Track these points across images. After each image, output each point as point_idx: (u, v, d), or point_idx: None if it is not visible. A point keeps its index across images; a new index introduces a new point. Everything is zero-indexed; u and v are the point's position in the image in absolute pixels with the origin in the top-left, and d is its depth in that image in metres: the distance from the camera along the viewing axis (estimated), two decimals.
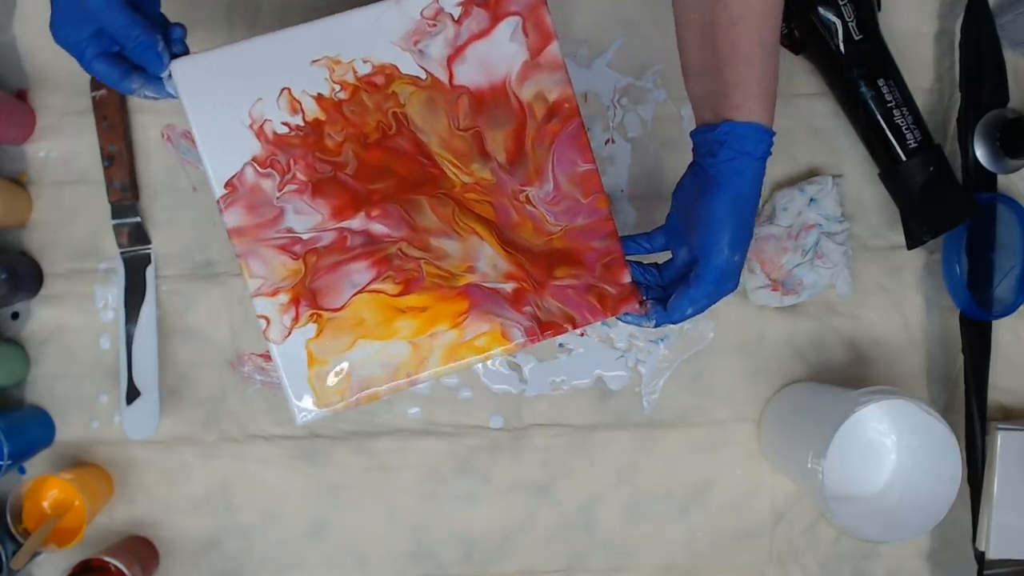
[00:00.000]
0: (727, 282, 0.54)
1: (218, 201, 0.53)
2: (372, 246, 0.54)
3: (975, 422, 0.74)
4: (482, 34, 0.54)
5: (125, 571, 0.69)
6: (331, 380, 0.53)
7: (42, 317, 0.77)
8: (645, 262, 0.59)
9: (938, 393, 0.77)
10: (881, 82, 0.71)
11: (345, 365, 0.53)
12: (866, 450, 0.74)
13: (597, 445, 0.77)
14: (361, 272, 0.54)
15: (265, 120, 0.53)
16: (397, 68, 0.53)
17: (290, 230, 0.53)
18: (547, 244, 0.55)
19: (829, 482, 0.65)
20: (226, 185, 0.53)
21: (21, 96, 0.77)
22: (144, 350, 0.76)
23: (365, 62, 0.53)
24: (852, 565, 0.77)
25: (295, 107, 0.53)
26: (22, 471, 0.77)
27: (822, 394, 0.74)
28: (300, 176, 0.53)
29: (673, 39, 0.76)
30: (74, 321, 0.77)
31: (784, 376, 0.77)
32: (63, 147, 0.77)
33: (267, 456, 0.77)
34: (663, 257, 0.59)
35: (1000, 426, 0.73)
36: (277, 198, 0.53)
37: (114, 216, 0.76)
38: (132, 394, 0.75)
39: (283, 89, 0.53)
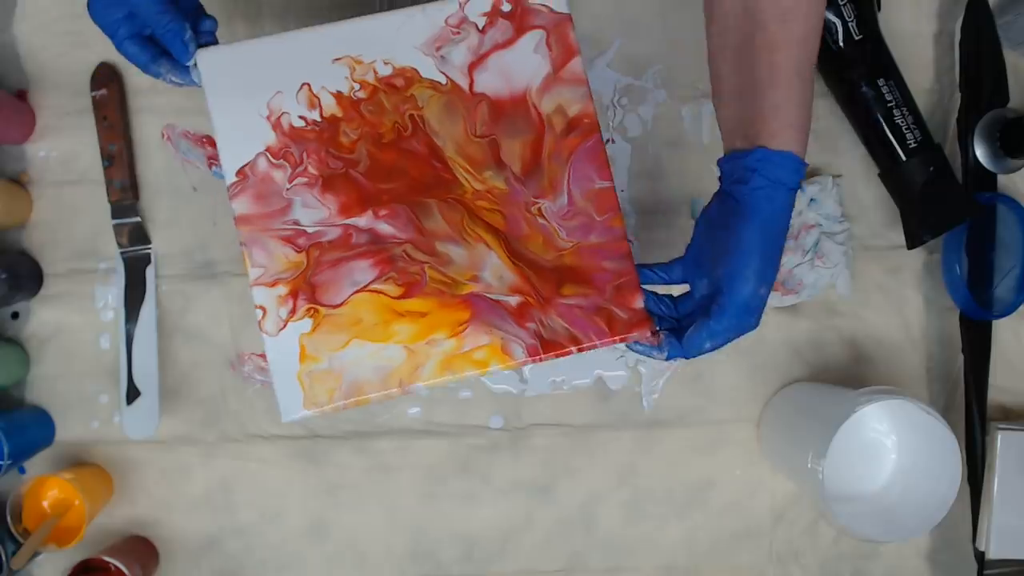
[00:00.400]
0: (749, 316, 0.52)
1: (228, 188, 0.53)
2: (377, 245, 0.53)
3: (975, 422, 0.74)
4: (505, 44, 0.54)
5: (125, 571, 0.69)
6: (321, 379, 0.52)
7: (42, 317, 0.77)
8: (660, 292, 0.56)
9: (938, 393, 0.77)
10: (881, 82, 0.71)
11: (337, 364, 0.53)
12: (866, 450, 0.74)
13: (597, 445, 0.77)
14: (363, 271, 0.53)
15: (283, 112, 0.53)
16: (418, 72, 0.54)
17: (296, 222, 0.53)
18: (557, 260, 0.54)
19: (829, 482, 0.65)
20: (237, 173, 0.53)
21: (21, 96, 0.77)
22: (144, 350, 0.76)
23: (386, 64, 0.53)
24: (852, 565, 0.77)
25: (313, 102, 0.53)
26: (22, 471, 0.77)
27: (822, 394, 0.74)
28: (311, 170, 0.53)
29: (674, 39, 0.76)
30: (74, 321, 0.77)
31: (784, 376, 0.77)
32: (63, 147, 0.77)
33: (267, 456, 0.77)
34: (678, 290, 0.57)
35: (1000, 426, 0.73)
36: (287, 189, 0.53)
37: (114, 216, 0.76)
38: (132, 394, 0.75)
39: (303, 84, 0.53)
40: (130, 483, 0.77)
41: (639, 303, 0.54)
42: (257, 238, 0.53)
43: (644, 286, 0.55)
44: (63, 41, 0.77)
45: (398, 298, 0.53)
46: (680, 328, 0.54)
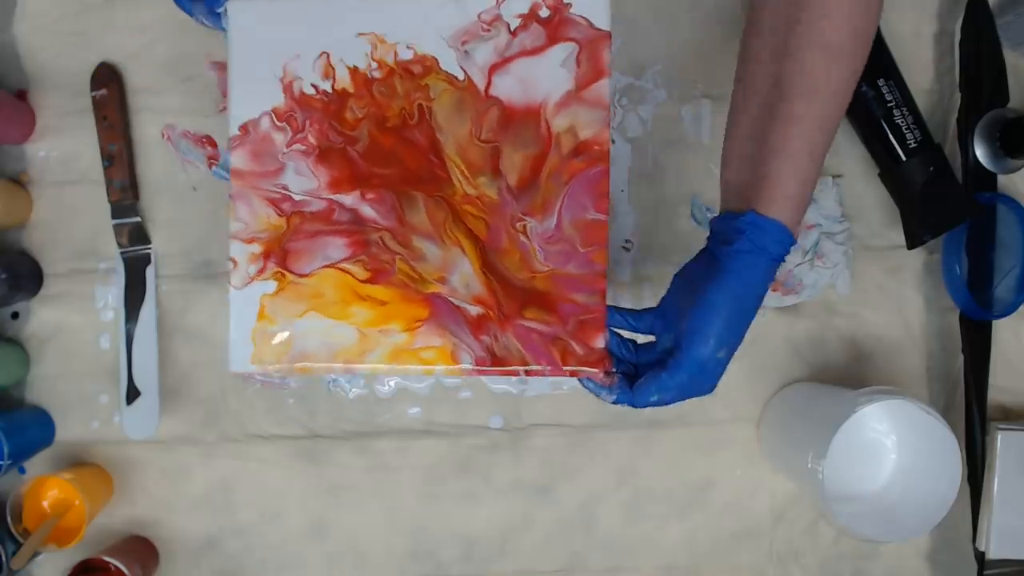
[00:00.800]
0: (704, 379, 0.51)
1: (229, 140, 0.54)
2: (356, 227, 0.53)
3: (975, 422, 0.74)
4: (533, 51, 0.53)
5: (125, 571, 0.69)
6: (273, 340, 0.53)
7: (42, 317, 0.77)
8: (625, 336, 0.56)
9: (938, 393, 0.77)
10: (881, 82, 0.71)
11: (291, 330, 0.53)
12: (866, 450, 0.74)
13: (597, 445, 0.77)
14: (337, 248, 0.53)
15: (297, 77, 0.53)
16: (437, 62, 0.53)
17: (285, 187, 0.53)
18: (528, 281, 0.53)
19: (829, 482, 0.65)
20: (240, 127, 0.54)
21: (21, 96, 0.77)
22: (144, 350, 0.76)
23: (408, 48, 0.53)
24: (852, 565, 0.77)
25: (328, 72, 0.53)
26: (22, 471, 0.77)
27: (822, 394, 0.74)
28: (311, 139, 0.53)
29: (674, 39, 0.76)
30: (74, 321, 0.77)
31: (784, 376, 0.77)
32: (63, 147, 0.77)
33: (267, 456, 0.77)
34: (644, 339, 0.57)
35: (1000, 426, 0.73)
36: (283, 153, 0.53)
37: (114, 216, 0.76)
38: (132, 394, 0.75)
39: (322, 53, 0.53)
40: (130, 483, 0.77)
41: (598, 342, 0.53)
42: (245, 194, 0.53)
43: (611, 327, 0.54)
44: (63, 41, 0.77)
45: (364, 281, 0.53)
46: (635, 375, 0.54)
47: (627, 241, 0.76)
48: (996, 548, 0.73)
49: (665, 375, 0.51)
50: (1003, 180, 0.76)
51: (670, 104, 0.77)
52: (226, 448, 0.77)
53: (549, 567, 0.77)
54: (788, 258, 0.73)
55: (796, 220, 0.50)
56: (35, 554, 0.71)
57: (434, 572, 0.77)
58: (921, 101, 0.74)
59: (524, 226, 0.53)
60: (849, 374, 0.77)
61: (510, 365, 0.53)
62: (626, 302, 0.76)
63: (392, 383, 0.77)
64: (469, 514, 0.77)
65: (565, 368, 0.53)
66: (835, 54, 0.49)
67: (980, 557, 0.74)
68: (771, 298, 0.75)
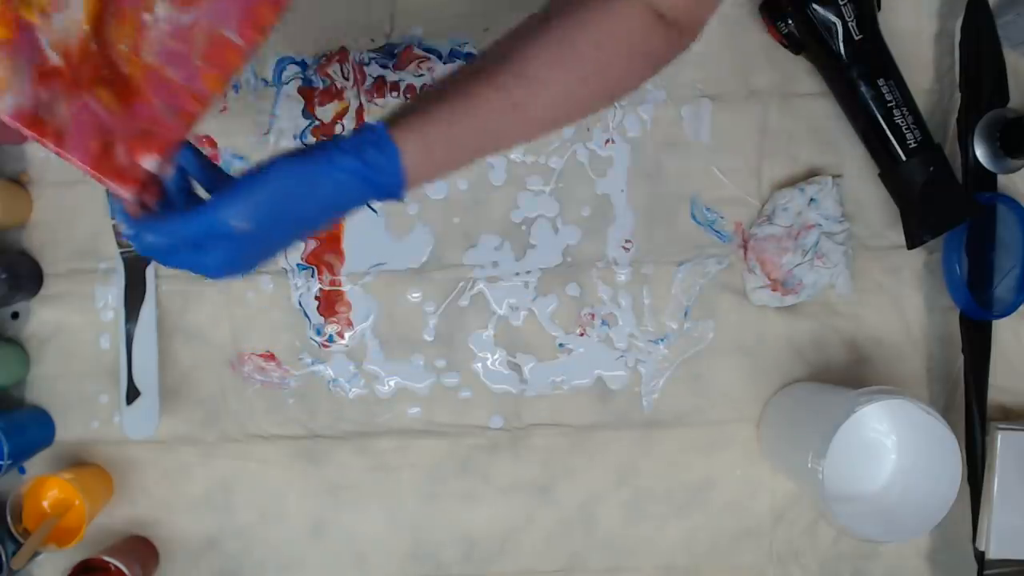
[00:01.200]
0: (206, 244, 0.44)
1: None
2: None
3: (975, 422, 0.74)
4: None
5: (125, 571, 0.69)
6: None
7: (42, 317, 0.77)
8: (199, 194, 0.49)
9: (938, 393, 0.77)
10: (881, 82, 0.71)
11: None
12: (866, 450, 0.74)
13: (597, 445, 0.77)
14: None
15: None
16: None
17: None
18: (124, 59, 0.46)
19: (829, 482, 0.65)
20: None
21: None
22: (144, 350, 0.76)
23: None
24: (852, 565, 0.77)
25: None
26: (22, 471, 0.77)
27: (822, 394, 0.74)
28: None
29: None
30: (74, 321, 0.77)
31: (784, 376, 0.77)
32: None
33: (267, 456, 0.77)
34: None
35: (1000, 426, 0.73)
36: None
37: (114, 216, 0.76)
38: (132, 394, 0.75)
39: None
40: (130, 483, 0.77)
41: (147, 162, 0.46)
42: None
43: (186, 169, 0.48)
44: None
45: None
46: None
47: (627, 241, 0.77)
48: (996, 548, 0.73)
49: (178, 217, 0.45)
50: (1003, 180, 0.76)
51: (670, 104, 0.77)
52: (226, 448, 0.77)
53: (549, 567, 0.77)
54: (788, 258, 0.74)
55: (418, 174, 0.45)
56: (35, 554, 0.71)
57: (434, 572, 0.77)
58: (921, 101, 0.74)
59: (154, 5, 0.46)
60: (849, 374, 0.77)
61: (47, 134, 0.46)
62: (625, 302, 0.76)
63: (392, 383, 0.77)
64: (469, 514, 0.77)
65: (94, 169, 0.46)
66: (532, 86, 0.47)
67: (980, 557, 0.74)
68: (771, 298, 0.75)
